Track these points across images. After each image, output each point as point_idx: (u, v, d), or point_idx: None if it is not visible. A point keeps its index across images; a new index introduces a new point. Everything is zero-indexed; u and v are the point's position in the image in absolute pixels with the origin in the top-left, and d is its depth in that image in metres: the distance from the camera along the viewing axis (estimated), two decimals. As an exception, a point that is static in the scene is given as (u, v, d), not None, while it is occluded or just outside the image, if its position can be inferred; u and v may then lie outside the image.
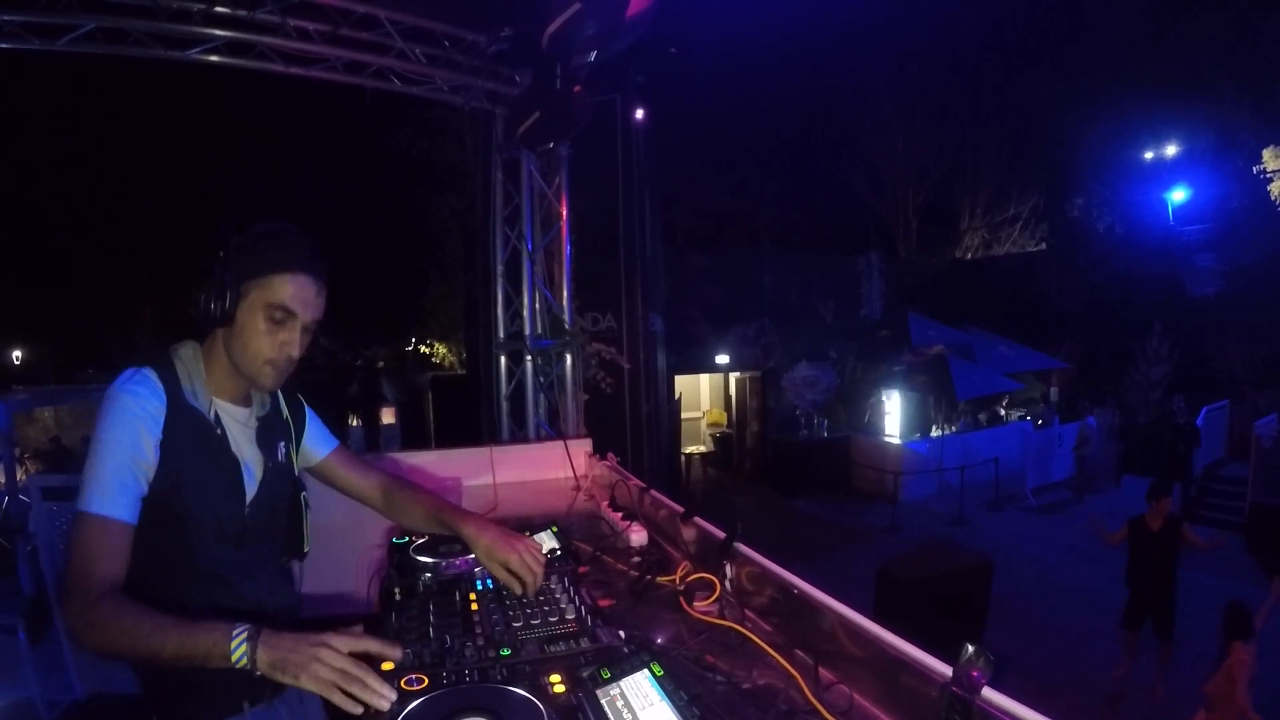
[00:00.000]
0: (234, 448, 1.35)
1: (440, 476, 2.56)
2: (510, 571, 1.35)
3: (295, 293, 1.27)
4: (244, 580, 1.36)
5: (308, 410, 1.59)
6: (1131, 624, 5.17)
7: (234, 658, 0.98)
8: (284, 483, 1.47)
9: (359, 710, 0.95)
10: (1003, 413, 12.91)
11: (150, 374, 1.24)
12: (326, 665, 0.96)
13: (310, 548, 1.56)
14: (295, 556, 1.56)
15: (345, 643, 0.99)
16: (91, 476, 1.16)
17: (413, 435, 13.09)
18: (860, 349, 13.45)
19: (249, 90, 15.36)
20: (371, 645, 1.02)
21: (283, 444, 1.47)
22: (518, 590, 1.36)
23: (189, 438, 1.26)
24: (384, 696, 0.95)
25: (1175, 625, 5.06)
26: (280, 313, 1.27)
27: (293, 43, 4.19)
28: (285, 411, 1.51)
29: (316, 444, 1.61)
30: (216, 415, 1.33)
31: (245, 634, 0.99)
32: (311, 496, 1.64)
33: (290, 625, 1.43)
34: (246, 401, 1.40)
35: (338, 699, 0.95)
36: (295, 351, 1.31)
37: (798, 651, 1.27)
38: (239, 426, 1.37)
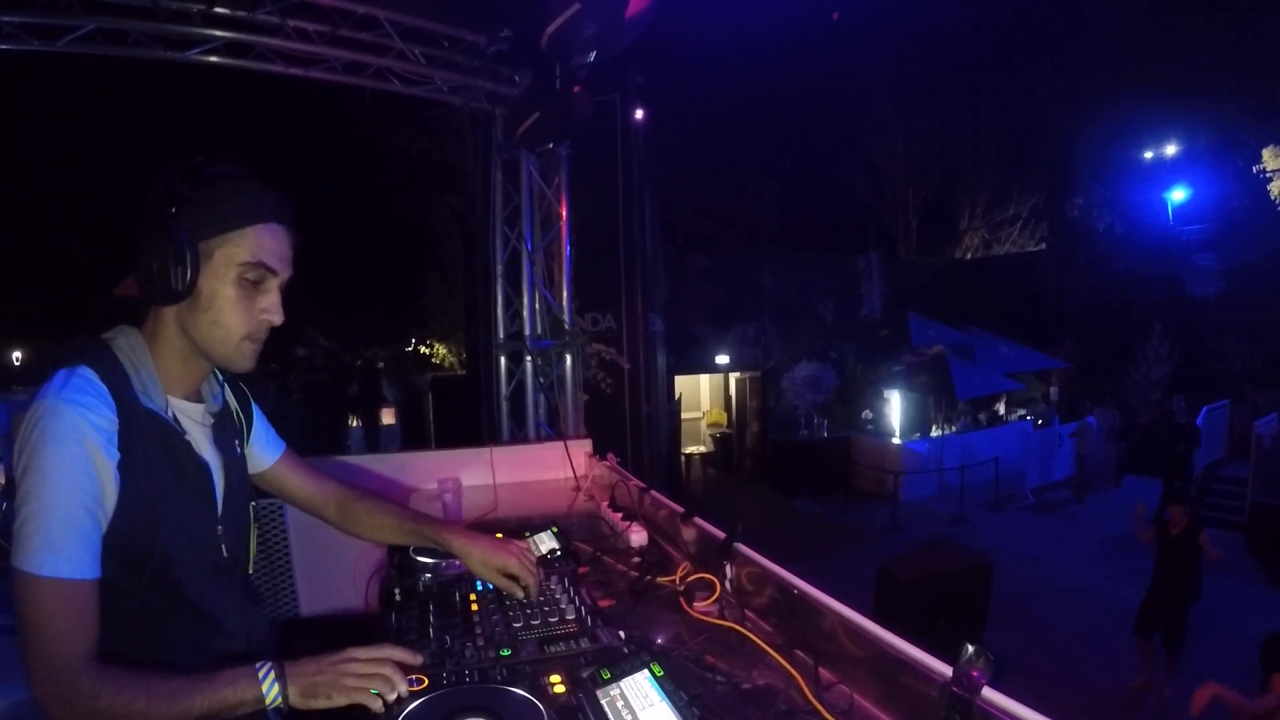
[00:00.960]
0: (199, 454, 1.13)
1: (440, 476, 2.56)
2: (510, 576, 1.34)
3: (273, 245, 1.07)
4: (226, 613, 1.16)
5: (254, 405, 1.36)
6: (1144, 631, 5.07)
7: (269, 700, 0.91)
8: (244, 489, 1.25)
9: (380, 708, 0.94)
10: (1001, 411, 12.91)
11: (90, 375, 0.99)
12: (353, 675, 0.94)
13: (253, 570, 1.30)
14: (242, 575, 1.28)
15: (367, 653, 0.98)
16: (36, 526, 0.90)
17: (413, 435, 13.09)
18: (860, 349, 13.46)
19: (249, 91, 15.36)
20: (394, 654, 0.99)
21: (236, 443, 1.26)
22: (520, 595, 1.35)
23: (150, 450, 1.02)
24: (395, 688, 0.95)
25: (1185, 636, 4.96)
26: (257, 271, 1.05)
27: (292, 43, 4.19)
28: (234, 403, 1.29)
29: (264, 447, 1.38)
30: (175, 415, 1.10)
31: (271, 671, 0.92)
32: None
33: (272, 647, 1.29)
34: (199, 396, 1.18)
35: (364, 698, 0.94)
36: (277, 318, 1.11)
37: (798, 651, 1.27)
38: (197, 427, 1.15)
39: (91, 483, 0.95)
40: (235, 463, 1.22)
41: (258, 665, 0.93)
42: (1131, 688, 5.11)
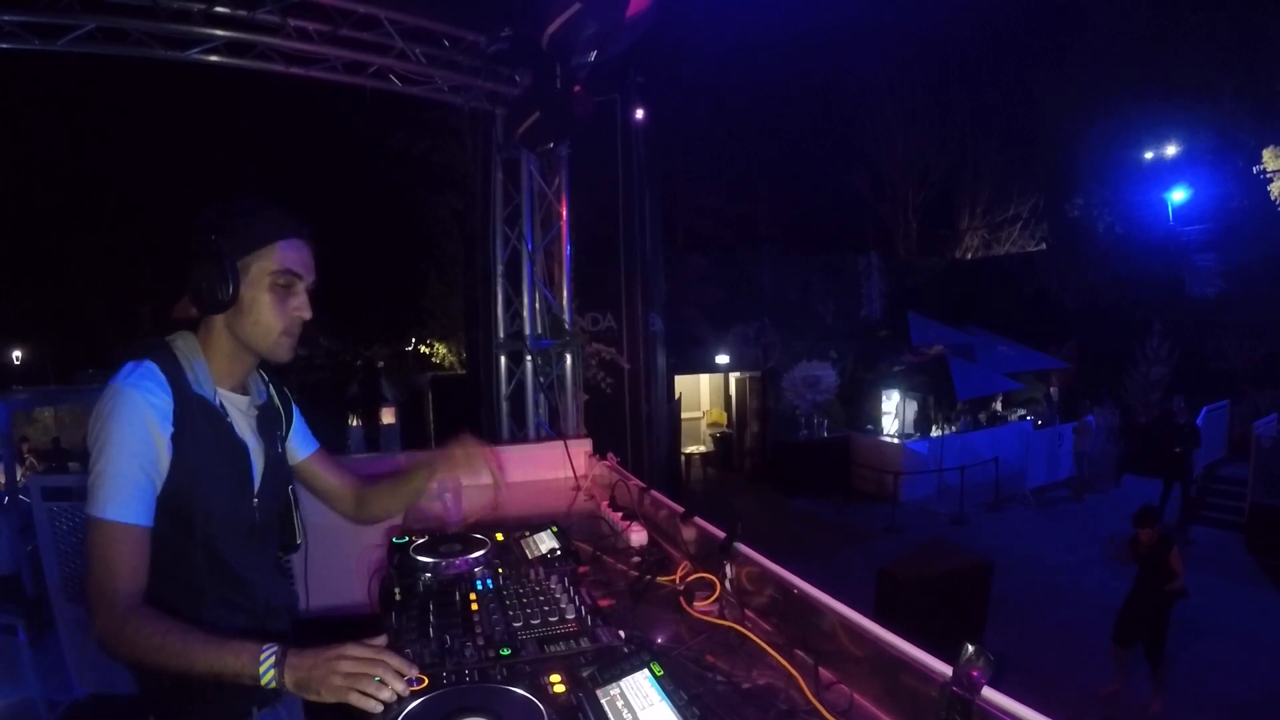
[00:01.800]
0: (240, 436, 1.34)
1: (440, 476, 2.57)
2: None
3: (296, 256, 1.29)
4: (253, 577, 1.36)
5: (294, 406, 1.59)
6: (1123, 639, 4.97)
7: (264, 680, 1.01)
8: (283, 473, 1.47)
9: (378, 709, 0.96)
10: (998, 409, 12.92)
11: (153, 366, 1.21)
12: (341, 674, 0.98)
13: (303, 540, 1.56)
14: (290, 550, 1.56)
15: (361, 651, 1.02)
16: (103, 480, 1.13)
17: (413, 435, 13.10)
18: (860, 349, 13.46)
19: (249, 90, 15.36)
20: (390, 661, 1.01)
21: (279, 433, 1.48)
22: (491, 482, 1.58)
23: (199, 429, 1.24)
24: (391, 689, 0.97)
25: (1164, 650, 4.86)
26: (286, 278, 1.28)
27: (293, 43, 4.19)
28: (277, 400, 1.51)
29: (300, 442, 1.60)
30: (222, 403, 1.32)
31: (273, 656, 1.01)
32: (313, 498, 1.65)
33: (291, 622, 1.48)
34: (245, 390, 1.40)
35: (354, 700, 0.97)
36: (307, 314, 1.32)
37: (798, 651, 1.27)
38: (241, 415, 1.37)
39: (150, 450, 1.17)
40: (274, 449, 1.44)
41: (265, 646, 1.03)
42: (1101, 696, 4.99)
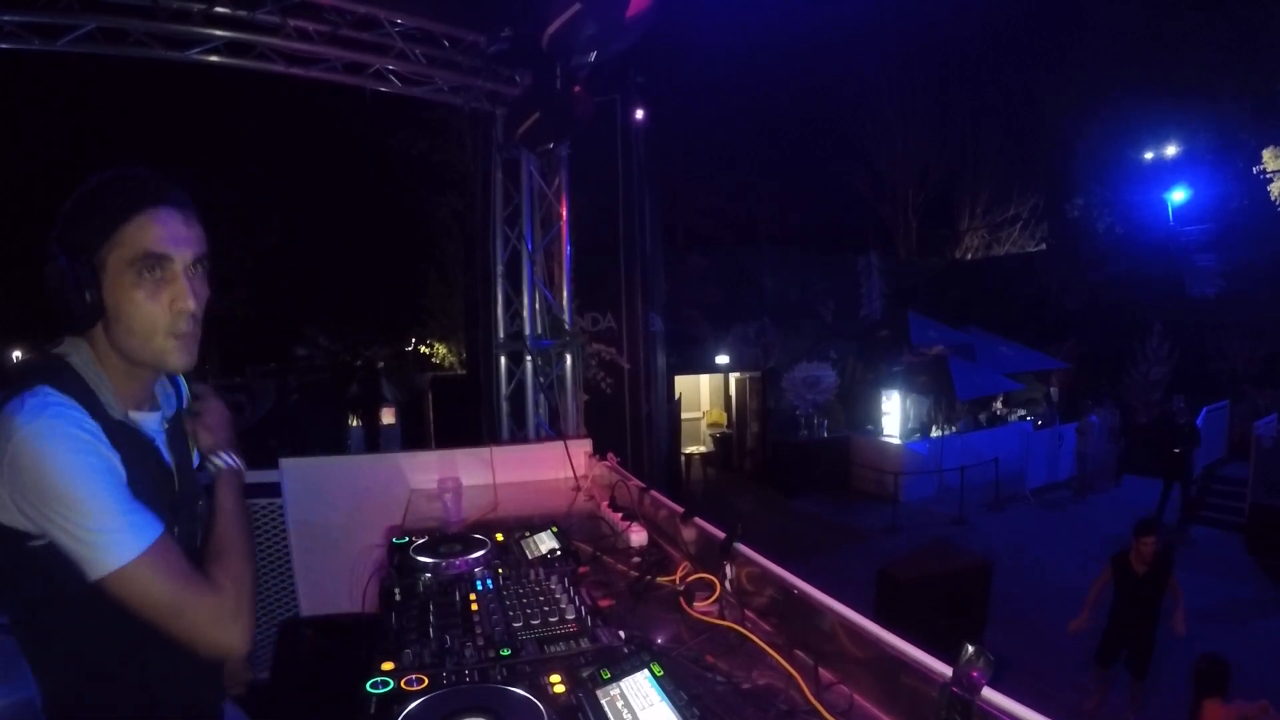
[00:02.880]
0: (166, 459, 1.15)
1: (440, 476, 2.56)
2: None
3: (158, 232, 1.00)
4: None
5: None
6: (1105, 660, 4.82)
7: (240, 470, 1.23)
8: (195, 489, 1.24)
9: None
10: (999, 410, 12.91)
11: (53, 392, 0.95)
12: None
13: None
14: None
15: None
16: (103, 530, 0.91)
17: (413, 435, 13.10)
18: (860, 349, 13.46)
19: (249, 90, 15.36)
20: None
21: (189, 443, 1.26)
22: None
23: (130, 455, 1.02)
24: None
25: (1151, 665, 4.71)
26: (148, 262, 1.00)
27: (293, 43, 4.18)
28: (187, 401, 1.30)
29: None
30: (137, 424, 1.09)
31: (226, 459, 1.21)
32: (312, 497, 1.63)
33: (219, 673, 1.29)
34: (154, 404, 1.17)
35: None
36: (190, 303, 1.03)
37: (798, 651, 1.27)
38: (157, 435, 1.15)
39: (113, 473, 0.97)
40: (187, 463, 1.24)
41: (221, 461, 1.22)
42: (1084, 709, 4.86)
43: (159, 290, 1.01)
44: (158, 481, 1.10)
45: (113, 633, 1.01)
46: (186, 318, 1.04)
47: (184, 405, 1.28)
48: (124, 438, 1.03)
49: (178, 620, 0.97)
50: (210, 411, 1.28)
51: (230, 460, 1.22)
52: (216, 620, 0.99)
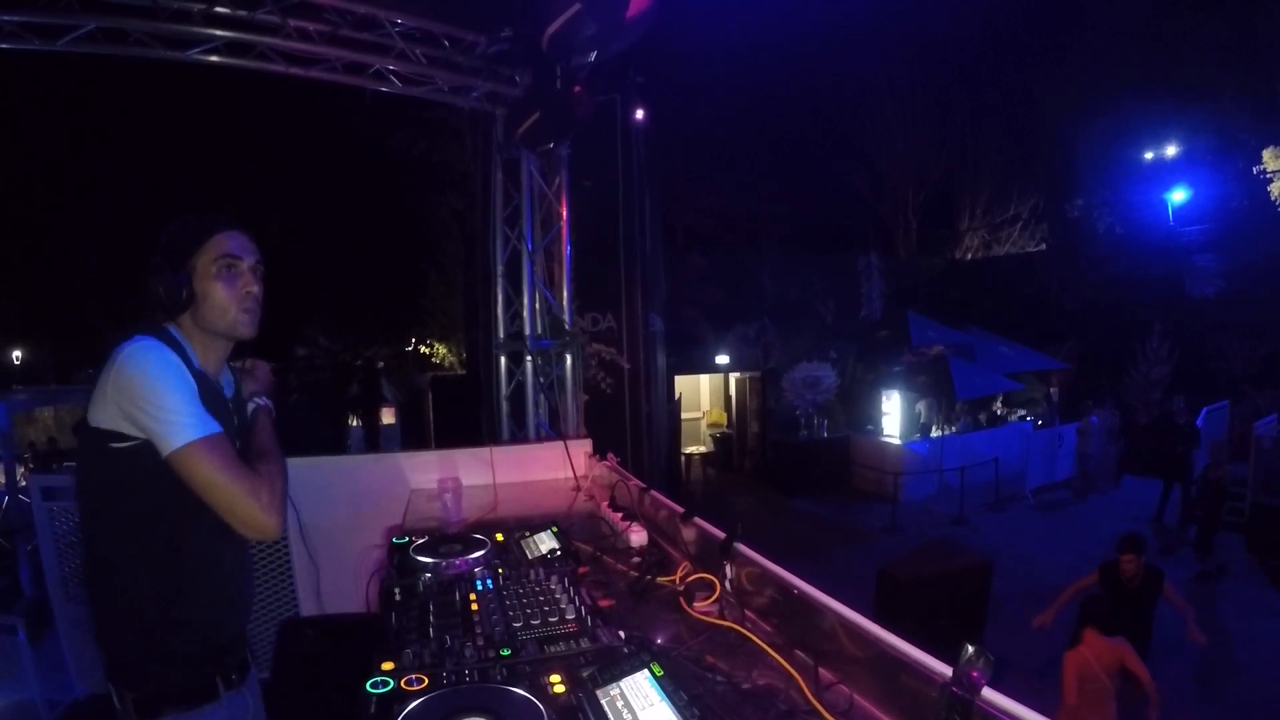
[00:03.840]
0: (233, 412, 1.52)
1: (440, 476, 2.56)
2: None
3: (231, 243, 1.45)
4: (229, 567, 1.48)
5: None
6: None
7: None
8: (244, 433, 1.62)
9: None
10: (999, 410, 12.92)
11: (158, 342, 1.33)
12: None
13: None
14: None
15: None
16: (178, 413, 1.27)
17: (413, 435, 13.11)
18: (860, 349, 13.45)
19: (249, 90, 15.35)
20: None
21: (237, 419, 1.60)
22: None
23: (204, 393, 1.36)
24: None
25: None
26: (227, 260, 1.43)
27: (293, 43, 4.18)
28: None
29: None
30: (210, 377, 1.47)
31: (262, 402, 1.66)
32: (312, 497, 1.68)
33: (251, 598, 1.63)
34: (219, 378, 1.54)
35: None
36: (255, 288, 1.47)
37: (798, 651, 1.27)
38: (226, 388, 1.56)
39: (194, 389, 1.33)
40: (241, 419, 1.60)
41: (260, 404, 1.66)
42: None
43: (234, 280, 1.44)
44: (222, 415, 1.42)
45: (161, 526, 1.32)
46: (252, 298, 1.47)
47: (235, 391, 1.62)
48: (200, 380, 1.38)
49: (226, 495, 1.29)
50: (258, 368, 1.76)
51: (266, 402, 1.69)
52: (256, 499, 1.32)
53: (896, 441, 11.40)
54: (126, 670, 1.34)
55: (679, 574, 1.67)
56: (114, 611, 1.34)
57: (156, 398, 1.25)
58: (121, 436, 1.27)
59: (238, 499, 1.29)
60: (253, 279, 1.47)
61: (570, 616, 1.34)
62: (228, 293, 1.43)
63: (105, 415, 1.28)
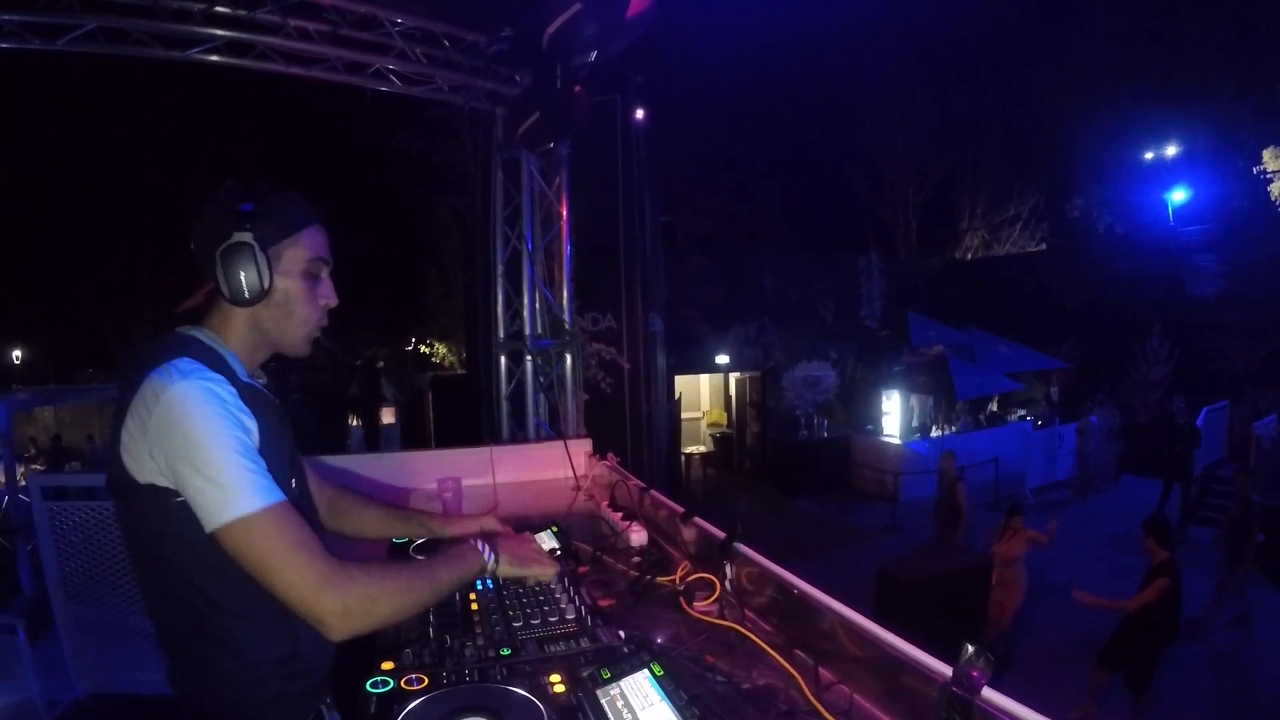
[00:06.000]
0: (284, 418, 1.26)
1: (440, 476, 2.56)
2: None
3: (322, 241, 1.22)
4: None
5: None
6: (1109, 663, 4.58)
7: (489, 567, 1.23)
8: (298, 469, 1.36)
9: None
10: (995, 408, 12.91)
11: (194, 361, 1.06)
12: (535, 549, 1.33)
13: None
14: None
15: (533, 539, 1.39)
16: (234, 478, 0.99)
17: (413, 435, 13.10)
18: (860, 349, 13.45)
19: (249, 90, 15.36)
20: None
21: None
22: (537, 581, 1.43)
23: (259, 410, 1.12)
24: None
25: (1151, 684, 4.46)
26: (317, 264, 1.20)
27: (293, 43, 4.18)
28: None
29: None
30: (259, 386, 1.23)
31: (486, 545, 1.24)
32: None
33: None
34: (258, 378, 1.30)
35: (537, 570, 1.30)
36: (334, 300, 1.25)
37: (798, 651, 1.27)
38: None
39: (248, 435, 1.05)
40: (290, 443, 1.34)
41: (474, 542, 1.24)
42: (1069, 719, 4.64)
43: (318, 287, 1.22)
44: (281, 431, 1.20)
45: (225, 585, 1.07)
46: (325, 314, 1.25)
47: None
48: (252, 397, 1.12)
49: (293, 593, 1.00)
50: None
51: (490, 552, 1.27)
52: (335, 607, 1.00)
53: (896, 441, 11.40)
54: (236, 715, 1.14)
55: (679, 574, 1.67)
56: (237, 664, 1.10)
57: (204, 461, 0.99)
58: (177, 492, 1.03)
59: (308, 595, 1.00)
60: (332, 289, 1.25)
61: (570, 616, 1.34)
62: (310, 302, 1.20)
63: (144, 468, 1.03)
